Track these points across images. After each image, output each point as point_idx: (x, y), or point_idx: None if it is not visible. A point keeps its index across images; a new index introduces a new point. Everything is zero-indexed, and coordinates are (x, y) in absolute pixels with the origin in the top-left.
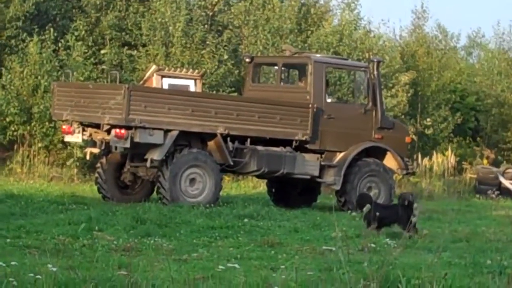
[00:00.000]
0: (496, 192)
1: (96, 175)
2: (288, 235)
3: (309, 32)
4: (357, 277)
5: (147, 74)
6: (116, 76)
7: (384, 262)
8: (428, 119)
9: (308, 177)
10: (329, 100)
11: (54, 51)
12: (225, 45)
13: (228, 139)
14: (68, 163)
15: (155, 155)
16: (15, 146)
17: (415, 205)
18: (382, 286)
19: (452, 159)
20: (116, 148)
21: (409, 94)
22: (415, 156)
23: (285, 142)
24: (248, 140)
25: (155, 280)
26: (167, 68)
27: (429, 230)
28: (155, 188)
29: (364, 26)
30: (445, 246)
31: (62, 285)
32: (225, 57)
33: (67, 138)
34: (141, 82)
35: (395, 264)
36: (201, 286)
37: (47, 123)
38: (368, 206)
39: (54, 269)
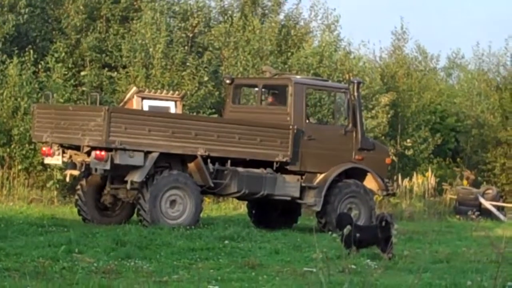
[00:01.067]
0: (476, 213)
1: (76, 197)
2: (268, 257)
3: (290, 53)
4: None
5: (127, 96)
6: (96, 98)
7: (365, 283)
8: (408, 140)
9: (289, 198)
10: (309, 122)
11: (34, 72)
12: (206, 67)
13: (209, 160)
14: (48, 185)
15: (135, 177)
16: None
17: (395, 225)
18: None
19: (432, 180)
20: (96, 170)
21: (389, 115)
22: (395, 177)
23: (266, 164)
24: (229, 161)
25: None
26: (147, 90)
27: (409, 251)
28: (136, 210)
29: (344, 48)
30: (426, 267)
31: None
32: (206, 78)
33: (47, 160)
34: (121, 104)
35: (376, 285)
36: None
37: (27, 145)
38: (348, 227)
39: None
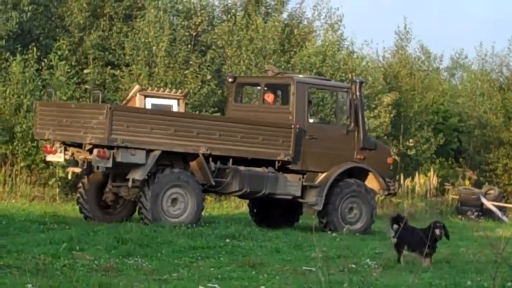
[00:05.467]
0: (476, 213)
1: (78, 194)
2: (269, 256)
3: (292, 52)
4: None
5: (130, 94)
6: (99, 96)
7: (365, 282)
8: (411, 140)
9: (290, 197)
10: (311, 121)
11: (37, 70)
12: (208, 65)
13: (210, 159)
14: (50, 182)
15: (137, 175)
16: None
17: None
18: None
19: (434, 180)
20: (98, 167)
21: (391, 115)
22: (397, 177)
23: (267, 163)
24: (231, 160)
25: None
26: (150, 88)
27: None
28: (137, 208)
29: (347, 47)
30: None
31: None
32: (208, 77)
33: (49, 158)
34: (124, 102)
35: (375, 284)
36: None
37: (29, 143)
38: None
39: None
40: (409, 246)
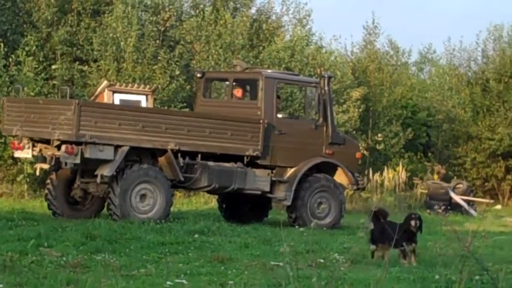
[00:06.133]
0: (443, 207)
1: (46, 191)
2: (238, 251)
3: (261, 47)
4: None
5: (98, 90)
6: (67, 92)
7: (333, 277)
8: (379, 135)
9: (259, 192)
10: (280, 116)
11: (4, 66)
12: (177, 61)
13: (179, 154)
14: (18, 179)
15: (106, 171)
16: None
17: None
18: None
19: (403, 175)
20: (66, 164)
21: (360, 110)
22: (366, 172)
23: (236, 158)
24: (199, 155)
25: None
26: (118, 84)
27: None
28: (106, 204)
29: (316, 42)
30: (394, 261)
31: None
32: (177, 72)
33: (17, 154)
34: (92, 98)
35: (344, 279)
36: None
37: None
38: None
39: (1, 285)
40: (389, 242)
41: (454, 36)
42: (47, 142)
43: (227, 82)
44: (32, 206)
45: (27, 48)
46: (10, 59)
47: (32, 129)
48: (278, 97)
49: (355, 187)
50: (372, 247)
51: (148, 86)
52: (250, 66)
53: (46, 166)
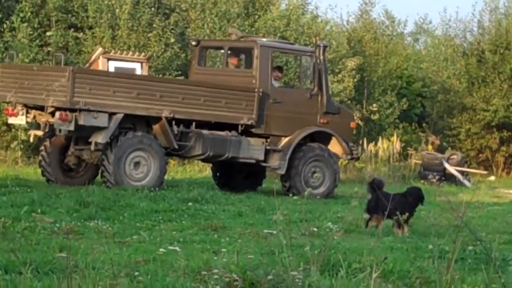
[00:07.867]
0: (437, 177)
1: (40, 157)
2: (232, 219)
3: (257, 16)
4: (298, 260)
5: (93, 57)
6: (61, 59)
7: (326, 246)
8: (374, 105)
9: (253, 161)
10: (275, 85)
11: None
12: (172, 29)
13: (173, 122)
14: (12, 145)
15: (100, 138)
16: None
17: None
18: (323, 270)
19: (397, 145)
20: (60, 130)
21: (355, 80)
22: (360, 142)
23: (231, 126)
24: (193, 124)
25: (95, 263)
26: (113, 51)
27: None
28: (100, 171)
29: (312, 11)
30: (388, 231)
31: (2, 267)
32: (172, 40)
33: (11, 120)
34: (87, 65)
35: (337, 248)
36: (142, 268)
37: None
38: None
39: None
40: (384, 212)
41: (450, 6)
42: (41, 108)
43: (222, 51)
44: (26, 173)
45: (21, 15)
46: (5, 25)
47: (26, 96)
48: (280, 68)
49: (349, 157)
50: (366, 215)
51: (143, 53)
52: (245, 34)
53: (40, 133)
